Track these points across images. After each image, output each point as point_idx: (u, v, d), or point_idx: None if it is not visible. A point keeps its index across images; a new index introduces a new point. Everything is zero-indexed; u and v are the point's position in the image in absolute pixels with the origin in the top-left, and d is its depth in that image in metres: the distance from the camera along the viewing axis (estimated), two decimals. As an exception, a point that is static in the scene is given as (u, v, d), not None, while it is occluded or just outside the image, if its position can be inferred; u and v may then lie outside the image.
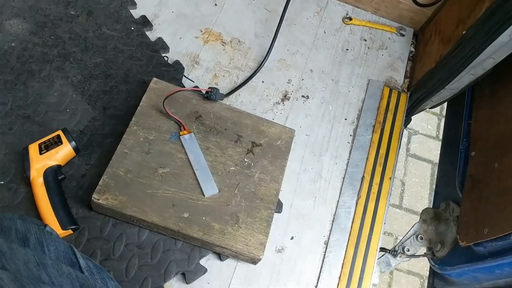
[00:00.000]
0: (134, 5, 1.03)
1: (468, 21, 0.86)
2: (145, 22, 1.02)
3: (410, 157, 1.98)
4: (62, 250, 0.59)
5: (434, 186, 1.94)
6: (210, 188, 0.80)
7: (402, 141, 1.01)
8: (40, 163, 0.78)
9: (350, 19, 1.15)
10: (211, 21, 1.07)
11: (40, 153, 0.79)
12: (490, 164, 0.87)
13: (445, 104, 1.18)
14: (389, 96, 1.06)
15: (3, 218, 0.59)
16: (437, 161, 1.98)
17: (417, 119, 2.08)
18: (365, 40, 1.14)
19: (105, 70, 0.94)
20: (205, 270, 0.80)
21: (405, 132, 2.07)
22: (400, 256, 0.97)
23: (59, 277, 0.55)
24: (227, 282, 0.81)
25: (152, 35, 1.01)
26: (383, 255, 0.97)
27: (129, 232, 0.80)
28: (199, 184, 0.80)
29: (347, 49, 1.11)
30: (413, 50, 1.15)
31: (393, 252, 0.97)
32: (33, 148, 0.79)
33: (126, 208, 0.75)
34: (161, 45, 1.00)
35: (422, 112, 2.09)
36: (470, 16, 0.86)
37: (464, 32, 0.86)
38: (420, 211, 1.80)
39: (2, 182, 0.79)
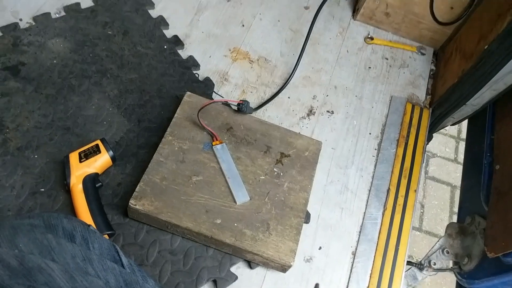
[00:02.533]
0: (166, 25, 1.09)
1: (490, 36, 0.90)
2: (177, 41, 1.07)
3: (429, 179, 1.98)
4: (106, 248, 0.62)
5: (453, 209, 1.93)
6: (241, 196, 0.82)
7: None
8: (79, 170, 0.82)
9: (372, 38, 1.19)
10: (239, 40, 1.12)
11: (80, 161, 0.82)
12: (516, 176, 0.88)
13: (463, 127, 1.19)
14: (412, 112, 1.08)
15: (50, 216, 0.61)
16: (456, 183, 1.99)
17: (435, 142, 2.10)
18: (387, 58, 1.17)
19: (140, 85, 0.99)
20: (236, 278, 0.81)
21: (423, 155, 2.08)
22: (427, 270, 0.97)
23: (104, 271, 0.58)
24: (257, 290, 0.82)
25: (183, 53, 1.06)
26: (409, 269, 0.97)
27: (162, 238, 0.82)
28: (231, 191, 0.82)
29: (370, 67, 1.15)
30: (434, 68, 1.18)
31: (419, 266, 0.97)
32: (74, 156, 0.83)
33: (162, 213, 0.78)
34: (192, 63, 1.05)
35: (440, 135, 2.12)
36: (492, 31, 0.89)
37: (486, 47, 0.89)
38: (440, 234, 1.79)
39: (43, 189, 0.83)
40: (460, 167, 2.04)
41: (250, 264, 0.84)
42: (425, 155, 2.07)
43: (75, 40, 1.02)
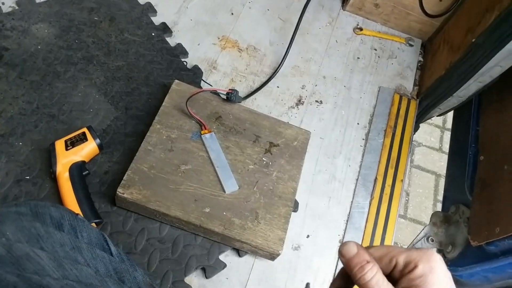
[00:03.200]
0: (154, 12, 1.08)
1: (477, 29, 0.90)
2: (165, 29, 1.06)
3: (414, 168, 2.01)
4: (95, 236, 0.61)
5: (438, 197, 1.97)
6: (230, 185, 0.82)
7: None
8: (66, 158, 0.81)
9: (361, 29, 1.19)
10: (228, 29, 1.11)
11: (66, 149, 0.81)
12: (500, 167, 0.90)
13: (448, 117, 1.21)
14: (399, 103, 1.09)
15: (37, 205, 0.61)
16: (441, 172, 2.02)
17: (420, 132, 2.12)
18: (375, 49, 1.18)
19: (127, 73, 0.97)
20: (225, 265, 0.82)
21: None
22: (412, 258, 0.99)
23: (94, 259, 0.57)
24: (246, 278, 0.83)
25: (171, 41, 1.05)
26: (395, 257, 0.99)
27: (150, 227, 0.82)
28: (219, 181, 0.82)
29: (358, 58, 1.15)
30: (422, 59, 1.19)
31: (405, 254, 0.99)
32: (60, 144, 0.81)
33: (150, 202, 0.77)
34: (180, 51, 1.03)
35: (426, 125, 2.15)
36: (479, 24, 0.90)
37: (473, 40, 0.90)
38: (424, 221, 1.82)
39: (28, 177, 0.82)
40: (445, 156, 2.08)
41: (238, 252, 0.84)
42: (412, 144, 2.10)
43: (60, 26, 0.99)
